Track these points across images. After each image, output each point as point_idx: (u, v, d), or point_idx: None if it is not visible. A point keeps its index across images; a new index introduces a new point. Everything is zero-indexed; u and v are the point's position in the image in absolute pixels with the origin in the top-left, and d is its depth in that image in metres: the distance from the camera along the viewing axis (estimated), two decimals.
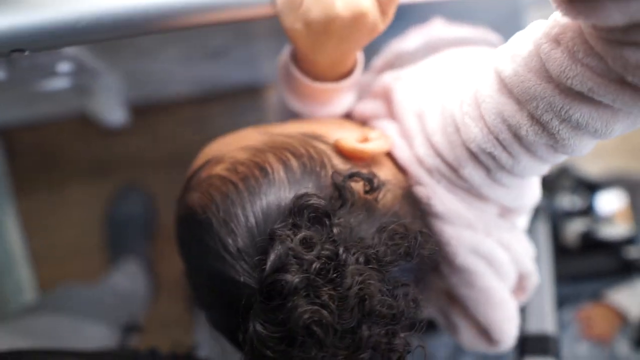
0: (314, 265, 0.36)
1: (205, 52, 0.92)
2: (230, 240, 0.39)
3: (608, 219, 1.02)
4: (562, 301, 1.03)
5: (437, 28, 0.64)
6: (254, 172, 0.42)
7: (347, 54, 0.48)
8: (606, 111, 0.36)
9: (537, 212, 0.80)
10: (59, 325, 0.68)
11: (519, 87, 0.39)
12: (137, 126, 1.20)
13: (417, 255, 0.41)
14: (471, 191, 0.47)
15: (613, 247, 0.99)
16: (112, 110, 1.09)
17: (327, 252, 0.37)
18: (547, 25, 0.38)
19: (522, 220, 0.54)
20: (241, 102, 1.23)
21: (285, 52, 0.52)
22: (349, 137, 0.47)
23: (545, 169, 0.45)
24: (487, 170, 0.45)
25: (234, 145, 0.46)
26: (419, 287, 0.44)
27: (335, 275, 0.37)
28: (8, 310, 1.15)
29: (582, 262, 1.00)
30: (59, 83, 0.81)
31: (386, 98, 0.53)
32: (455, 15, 0.67)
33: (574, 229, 1.02)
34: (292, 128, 0.48)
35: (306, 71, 0.50)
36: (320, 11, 0.42)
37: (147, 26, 0.43)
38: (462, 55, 0.54)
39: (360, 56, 0.52)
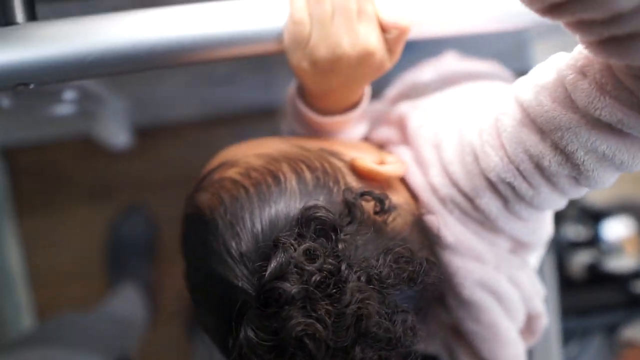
0: (314, 278, 0.36)
1: (212, 78, 0.92)
2: (233, 244, 0.39)
3: (616, 248, 1.00)
4: (569, 336, 1.01)
5: (450, 62, 0.64)
6: (266, 179, 0.42)
7: (354, 90, 0.48)
8: (634, 143, 0.36)
9: None
10: (51, 358, 0.67)
11: (543, 117, 0.38)
12: (142, 148, 1.20)
13: (420, 281, 0.40)
14: (485, 224, 0.46)
15: (621, 280, 0.98)
16: (117, 134, 1.09)
17: (329, 266, 0.36)
18: (571, 57, 0.38)
19: (534, 258, 0.53)
20: (248, 125, 1.23)
21: (293, 87, 0.52)
22: (366, 157, 0.46)
23: (564, 202, 0.45)
24: (505, 201, 0.44)
25: (251, 151, 0.46)
26: (419, 317, 0.43)
27: (334, 290, 0.36)
28: (6, 333, 1.14)
29: (589, 296, 0.99)
30: (65, 109, 0.81)
31: (401, 126, 0.53)
32: (462, 46, 0.68)
33: (580, 260, 1.00)
34: (312, 142, 0.48)
35: (313, 104, 0.50)
36: (327, 50, 0.42)
37: (154, 61, 0.43)
38: (479, 88, 0.53)
39: (367, 87, 0.52)
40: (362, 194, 0.41)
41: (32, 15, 0.43)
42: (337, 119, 0.50)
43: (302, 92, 0.51)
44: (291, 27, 0.43)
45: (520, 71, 0.42)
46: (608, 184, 0.40)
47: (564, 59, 0.38)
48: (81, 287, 1.20)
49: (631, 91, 0.34)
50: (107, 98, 0.87)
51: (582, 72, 0.36)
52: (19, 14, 0.42)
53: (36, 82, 0.42)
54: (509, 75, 0.64)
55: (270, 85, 1.05)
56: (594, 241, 1.01)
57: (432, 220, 0.46)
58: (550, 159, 0.39)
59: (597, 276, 0.98)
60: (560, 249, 1.00)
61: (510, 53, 0.86)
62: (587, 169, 0.38)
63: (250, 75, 0.97)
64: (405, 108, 0.53)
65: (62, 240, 1.20)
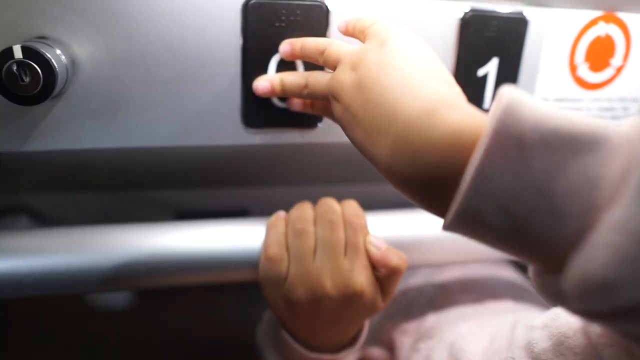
0: None
1: None
2: None
3: None
4: None
5: (449, 270, 0.58)
6: None
7: (344, 331, 0.41)
8: None
9: None
10: None
11: None
12: (141, 308, 1.13)
13: None
14: None
15: None
16: (114, 294, 1.04)
17: None
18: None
19: None
20: (251, 290, 1.16)
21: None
22: None
23: None
24: None
25: None
26: None
27: None
28: None
29: None
30: None
31: (391, 349, 0.49)
32: None
33: None
34: None
35: (298, 337, 0.42)
36: (306, 290, 0.36)
37: (134, 283, 0.39)
38: (477, 317, 0.46)
39: (366, 323, 0.44)
40: None
41: None
42: (326, 357, 0.42)
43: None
44: (265, 263, 0.37)
45: None
46: None
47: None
48: None
49: None
50: None
51: (628, 349, 0.28)
52: None
53: None
54: (522, 280, 0.56)
55: None
56: None
57: None
58: None
59: None
60: None
61: None
62: None
63: None
64: (395, 333, 0.49)
65: None
